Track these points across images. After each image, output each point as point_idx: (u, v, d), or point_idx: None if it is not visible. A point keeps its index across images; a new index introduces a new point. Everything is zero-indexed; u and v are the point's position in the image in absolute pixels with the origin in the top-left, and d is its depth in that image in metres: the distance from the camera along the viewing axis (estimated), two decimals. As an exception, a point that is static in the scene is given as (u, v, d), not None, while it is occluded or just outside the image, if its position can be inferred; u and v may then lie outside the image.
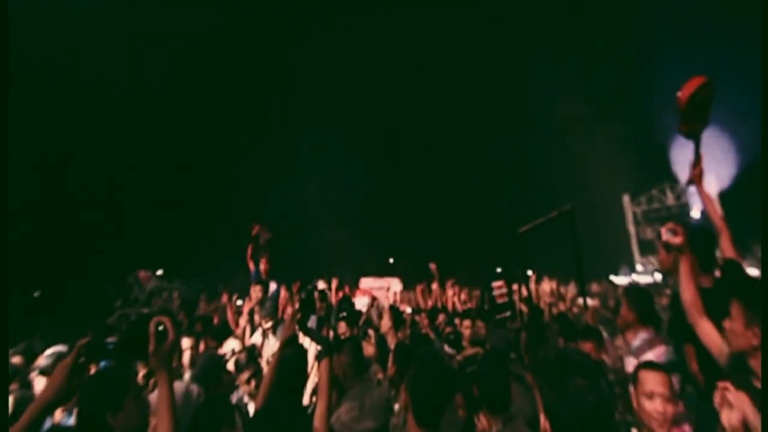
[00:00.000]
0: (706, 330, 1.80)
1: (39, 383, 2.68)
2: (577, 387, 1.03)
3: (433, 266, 6.43)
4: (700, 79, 2.49)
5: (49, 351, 2.92)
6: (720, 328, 1.77)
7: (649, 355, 2.75)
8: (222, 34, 24.56)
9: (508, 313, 5.23)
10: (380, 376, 3.12)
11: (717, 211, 2.46)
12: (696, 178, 2.56)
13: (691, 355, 2.39)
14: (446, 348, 3.72)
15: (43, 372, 2.72)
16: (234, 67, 25.36)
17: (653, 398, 1.69)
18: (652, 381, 1.73)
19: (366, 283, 7.24)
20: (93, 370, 1.90)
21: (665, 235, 1.95)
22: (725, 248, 2.34)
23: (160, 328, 1.35)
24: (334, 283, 5.59)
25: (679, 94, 2.51)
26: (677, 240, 1.92)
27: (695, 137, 2.58)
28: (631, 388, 1.82)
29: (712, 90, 2.51)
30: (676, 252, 1.97)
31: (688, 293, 1.89)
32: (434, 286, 6.50)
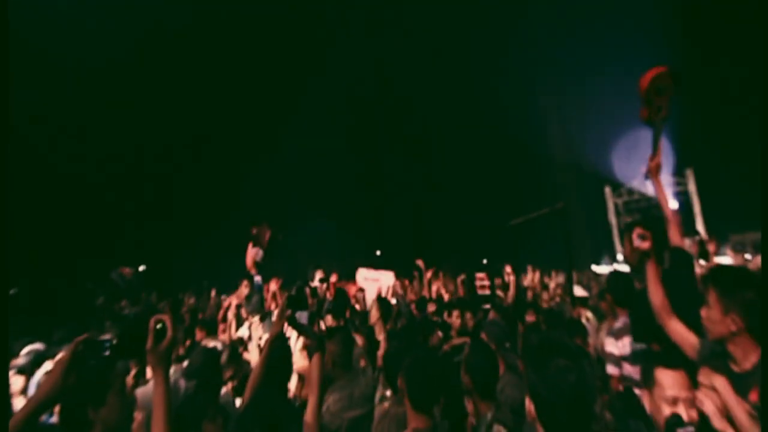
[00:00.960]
0: (677, 329, 1.87)
1: (16, 382, 2.60)
2: (559, 368, 1.06)
3: (420, 262, 6.57)
4: (661, 68, 2.60)
5: (26, 349, 2.84)
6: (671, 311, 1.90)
7: (626, 340, 2.88)
8: (198, 31, 23.94)
9: (488, 305, 5.34)
10: (362, 364, 3.14)
11: (669, 202, 2.57)
12: (652, 169, 2.63)
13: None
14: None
15: (21, 371, 2.64)
16: (213, 60, 24.77)
17: (677, 404, 1.45)
18: (673, 383, 1.48)
19: (362, 273, 7.25)
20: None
21: (636, 241, 2.04)
22: (673, 238, 2.48)
23: (159, 326, 1.34)
24: (333, 278, 5.60)
25: (640, 80, 2.62)
26: (645, 245, 2.00)
27: (655, 127, 2.65)
28: (642, 391, 1.64)
29: (673, 80, 2.60)
30: (644, 256, 2.04)
31: (656, 297, 1.96)
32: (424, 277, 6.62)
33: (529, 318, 4.26)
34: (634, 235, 2.07)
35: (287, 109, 28.49)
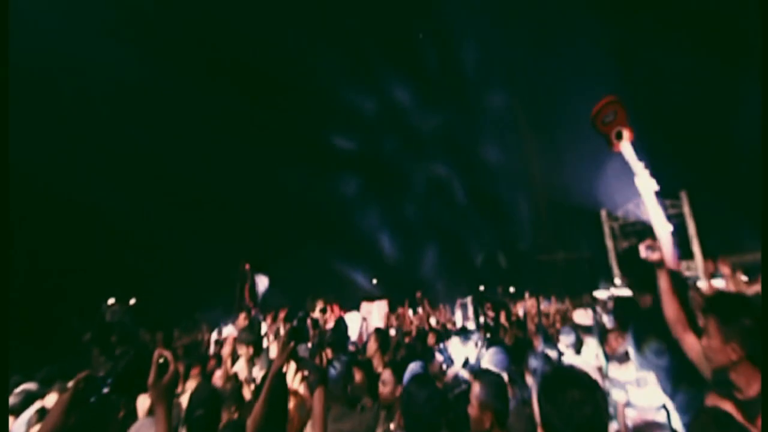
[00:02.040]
0: (693, 344, 1.80)
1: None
2: (574, 400, 1.05)
3: (419, 294, 6.57)
4: (602, 101, 2.72)
5: (18, 389, 2.74)
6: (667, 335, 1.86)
7: (630, 365, 2.85)
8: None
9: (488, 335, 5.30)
10: (368, 404, 3.05)
11: (660, 223, 2.56)
12: (642, 188, 2.60)
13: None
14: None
15: (11, 411, 2.54)
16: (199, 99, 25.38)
17: None
18: None
19: (365, 308, 7.24)
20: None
21: (644, 252, 2.00)
22: (668, 261, 2.38)
23: (161, 360, 1.33)
24: (335, 309, 5.55)
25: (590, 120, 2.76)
26: (655, 256, 1.97)
27: (624, 150, 2.71)
28: None
29: (617, 105, 2.70)
30: (655, 268, 2.00)
31: (670, 309, 1.89)
32: (420, 309, 6.60)
33: (537, 344, 4.23)
34: (643, 247, 2.01)
35: (281, 141, 28.92)
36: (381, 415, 2.68)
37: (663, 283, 1.95)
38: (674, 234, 2.65)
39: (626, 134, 2.68)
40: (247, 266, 5.32)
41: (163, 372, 1.32)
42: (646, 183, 2.60)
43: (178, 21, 23.86)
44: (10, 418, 2.51)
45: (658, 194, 2.63)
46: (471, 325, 6.94)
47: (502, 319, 5.94)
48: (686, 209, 22.96)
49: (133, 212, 21.22)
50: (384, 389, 2.68)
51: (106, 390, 1.35)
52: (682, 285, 2.38)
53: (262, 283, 5.12)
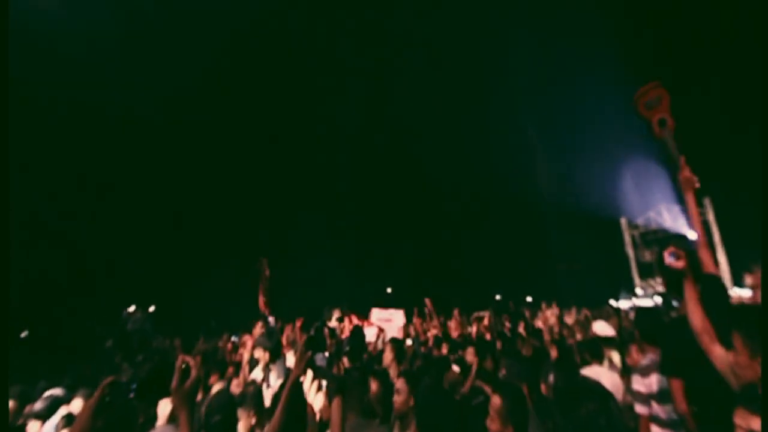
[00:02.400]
0: (721, 357, 1.72)
1: (33, 428, 2.58)
2: (588, 411, 1.04)
3: (428, 301, 6.46)
4: (647, 85, 2.66)
5: (45, 394, 2.83)
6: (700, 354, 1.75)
7: (653, 378, 2.76)
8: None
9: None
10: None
11: (700, 222, 2.42)
12: (685, 183, 2.45)
13: (678, 392, 2.28)
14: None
15: (38, 416, 2.62)
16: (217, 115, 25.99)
17: None
18: None
19: (375, 314, 7.19)
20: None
21: (668, 259, 1.92)
22: (705, 262, 2.31)
23: (183, 366, 1.37)
24: (352, 319, 5.53)
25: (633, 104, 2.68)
26: (680, 264, 1.90)
27: (666, 140, 2.62)
28: None
29: (662, 92, 2.64)
30: (679, 276, 1.93)
31: (696, 318, 1.81)
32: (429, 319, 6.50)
33: (554, 353, 4.14)
34: (667, 254, 1.92)
35: (296, 152, 29.37)
36: (396, 425, 2.65)
37: (688, 291, 1.88)
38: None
39: (669, 122, 2.58)
40: (266, 265, 5.25)
41: (185, 378, 1.35)
42: (687, 178, 2.44)
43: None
44: (38, 424, 2.60)
45: (693, 194, 2.48)
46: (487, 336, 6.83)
47: (520, 329, 5.84)
48: (710, 216, 22.27)
49: (153, 222, 21.79)
50: (398, 399, 2.67)
51: (131, 395, 1.39)
52: (721, 289, 2.26)
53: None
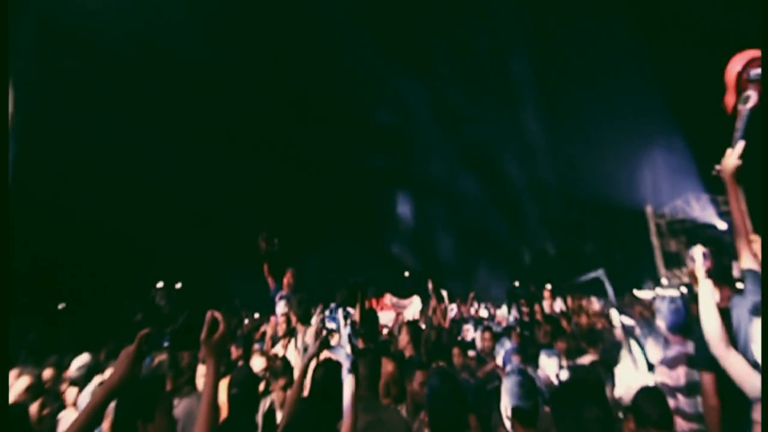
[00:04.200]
0: (736, 364, 1.68)
1: (70, 394, 2.77)
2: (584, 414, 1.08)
3: (430, 285, 6.34)
4: (753, 52, 2.22)
5: (78, 362, 3.02)
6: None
7: (680, 371, 2.70)
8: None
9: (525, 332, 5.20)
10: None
11: (744, 212, 2.16)
12: (729, 169, 2.19)
13: (709, 386, 2.22)
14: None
15: (74, 383, 2.81)
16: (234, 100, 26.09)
17: None
18: None
19: (389, 299, 7.26)
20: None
21: (690, 263, 1.87)
22: (741, 255, 2.08)
23: (212, 319, 1.43)
24: (372, 302, 5.52)
25: (731, 61, 2.25)
26: (706, 266, 1.84)
27: (740, 118, 2.26)
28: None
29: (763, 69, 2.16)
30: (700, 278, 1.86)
31: (710, 324, 1.77)
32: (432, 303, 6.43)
33: (561, 345, 4.12)
34: (692, 254, 1.86)
35: (313, 138, 29.34)
36: (410, 409, 2.71)
37: (704, 295, 1.82)
38: (729, 232, 2.38)
39: (755, 102, 2.21)
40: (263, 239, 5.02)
41: (213, 330, 1.42)
42: (735, 166, 2.20)
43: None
44: (75, 390, 2.79)
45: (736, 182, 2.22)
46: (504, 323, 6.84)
47: (538, 315, 5.80)
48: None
49: (182, 205, 22.45)
50: (412, 383, 2.72)
51: (166, 344, 1.50)
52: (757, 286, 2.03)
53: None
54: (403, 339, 3.87)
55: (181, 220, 22.76)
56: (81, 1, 12.46)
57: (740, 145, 2.20)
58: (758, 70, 2.18)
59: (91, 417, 1.26)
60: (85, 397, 2.65)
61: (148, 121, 21.95)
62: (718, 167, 2.23)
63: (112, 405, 1.57)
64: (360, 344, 3.90)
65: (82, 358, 3.09)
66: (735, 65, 2.24)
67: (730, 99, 2.27)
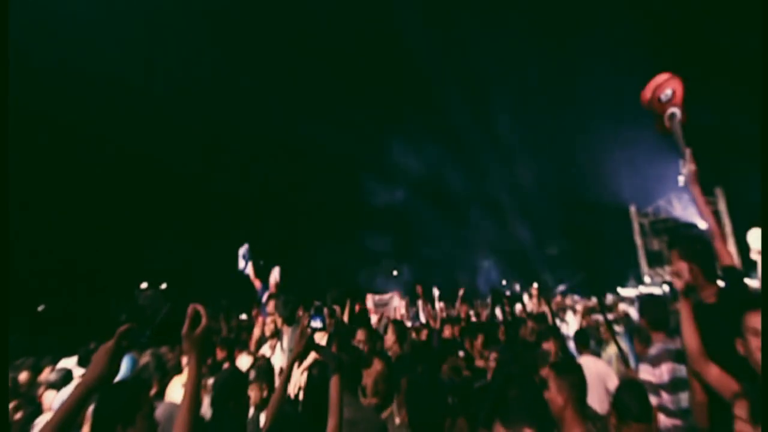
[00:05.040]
0: (716, 375, 1.73)
1: (48, 397, 2.68)
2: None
3: (419, 288, 6.41)
4: (662, 75, 2.56)
5: (59, 365, 2.93)
6: (727, 348, 1.72)
7: (664, 368, 2.73)
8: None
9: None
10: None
11: (711, 213, 2.36)
12: (690, 176, 2.43)
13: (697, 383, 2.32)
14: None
15: (52, 386, 2.72)
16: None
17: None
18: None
19: (370, 302, 7.25)
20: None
21: (672, 278, 1.91)
22: (721, 254, 2.26)
23: (194, 314, 1.40)
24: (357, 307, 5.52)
25: (642, 93, 2.59)
26: (680, 283, 1.87)
27: (674, 133, 2.54)
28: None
29: (677, 84, 2.53)
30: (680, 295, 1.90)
31: (690, 340, 1.81)
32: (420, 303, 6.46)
33: (547, 346, 4.16)
34: (673, 270, 1.91)
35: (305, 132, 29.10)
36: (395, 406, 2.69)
37: (684, 311, 1.86)
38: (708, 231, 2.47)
39: (681, 116, 2.51)
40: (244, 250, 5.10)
41: (195, 325, 1.38)
42: (692, 171, 2.42)
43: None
44: (53, 393, 2.70)
45: (699, 187, 2.46)
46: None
47: (519, 312, 5.87)
48: (722, 206, 21.86)
49: (167, 202, 22.04)
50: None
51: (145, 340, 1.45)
52: (741, 281, 2.20)
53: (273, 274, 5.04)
54: (389, 339, 3.85)
55: (168, 221, 22.35)
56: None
57: (688, 153, 2.44)
58: (667, 91, 2.54)
59: (66, 417, 1.19)
60: (62, 399, 2.56)
61: (140, 120, 21.50)
62: (682, 178, 2.47)
63: (91, 409, 1.53)
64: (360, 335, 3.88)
65: (64, 361, 3.00)
66: (646, 95, 2.58)
67: (659, 123, 2.60)
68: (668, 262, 2.35)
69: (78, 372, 2.81)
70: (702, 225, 2.57)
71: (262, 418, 2.54)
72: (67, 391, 2.60)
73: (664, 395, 2.65)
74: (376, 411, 2.52)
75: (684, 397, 2.54)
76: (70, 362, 2.98)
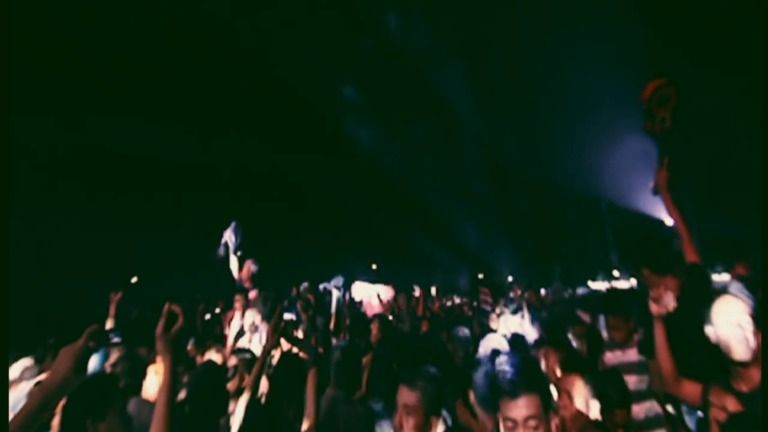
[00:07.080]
0: (689, 390, 1.78)
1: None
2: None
3: (417, 291, 6.44)
4: (661, 80, 2.71)
5: (17, 364, 2.75)
6: (689, 343, 1.81)
7: (630, 354, 2.92)
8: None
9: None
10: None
11: (680, 217, 2.49)
12: (661, 182, 2.57)
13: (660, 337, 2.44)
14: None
15: (13, 383, 2.55)
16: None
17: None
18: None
19: (357, 287, 7.23)
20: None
21: (651, 305, 1.92)
22: (687, 253, 2.40)
23: (170, 312, 1.34)
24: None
25: (642, 92, 2.71)
26: (658, 311, 1.89)
27: (659, 138, 2.69)
28: None
29: (673, 91, 2.67)
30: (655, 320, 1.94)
31: (665, 363, 1.85)
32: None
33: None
34: (652, 296, 1.93)
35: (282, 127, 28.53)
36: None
37: (659, 335, 1.89)
38: (675, 235, 2.62)
39: (668, 123, 2.64)
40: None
41: (171, 324, 1.32)
42: (663, 178, 2.56)
43: None
44: (10, 389, 2.53)
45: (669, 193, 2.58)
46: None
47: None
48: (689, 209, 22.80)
49: (145, 194, 21.21)
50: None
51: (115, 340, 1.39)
52: (704, 278, 2.33)
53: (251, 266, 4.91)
54: (374, 333, 3.86)
55: (143, 211, 21.49)
56: None
57: (665, 160, 2.58)
58: (667, 94, 2.66)
59: (26, 424, 1.07)
60: (20, 396, 2.40)
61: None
62: (652, 184, 2.61)
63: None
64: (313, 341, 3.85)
65: (22, 361, 2.81)
66: (647, 92, 2.71)
67: (650, 122, 2.72)
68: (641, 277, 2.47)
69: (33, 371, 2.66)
70: (669, 222, 2.72)
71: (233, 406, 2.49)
72: (26, 388, 2.45)
73: (632, 378, 2.79)
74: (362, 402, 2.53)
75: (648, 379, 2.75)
76: (27, 362, 2.79)
